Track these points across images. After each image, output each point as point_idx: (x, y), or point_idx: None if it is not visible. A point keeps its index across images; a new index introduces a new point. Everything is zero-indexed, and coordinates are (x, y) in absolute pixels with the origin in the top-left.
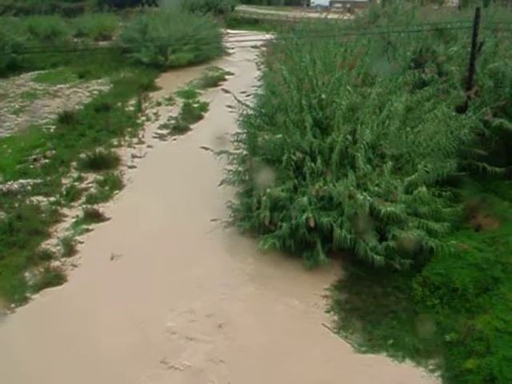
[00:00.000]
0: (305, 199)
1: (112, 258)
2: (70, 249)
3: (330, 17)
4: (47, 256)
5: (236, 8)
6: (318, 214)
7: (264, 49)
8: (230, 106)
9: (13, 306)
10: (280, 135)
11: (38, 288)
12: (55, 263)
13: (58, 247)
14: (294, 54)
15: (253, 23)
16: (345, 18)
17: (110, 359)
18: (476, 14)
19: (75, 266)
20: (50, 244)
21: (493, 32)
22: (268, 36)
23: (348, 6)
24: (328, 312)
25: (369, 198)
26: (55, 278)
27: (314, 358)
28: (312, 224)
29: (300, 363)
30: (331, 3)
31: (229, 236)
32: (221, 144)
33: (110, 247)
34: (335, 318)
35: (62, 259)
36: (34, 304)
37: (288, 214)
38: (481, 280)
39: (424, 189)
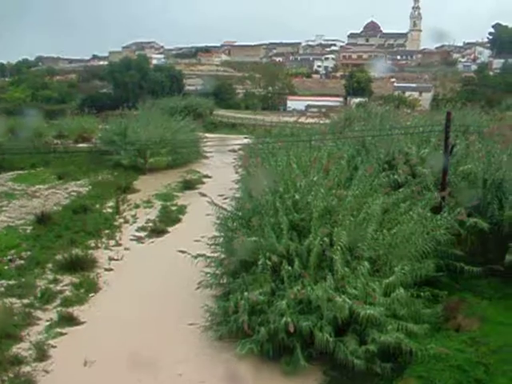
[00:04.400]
0: (283, 303)
1: (85, 364)
2: (42, 353)
3: (305, 121)
4: (18, 361)
5: (214, 112)
6: (297, 317)
7: (241, 152)
8: (208, 204)
9: None
10: (254, 238)
11: None
12: (26, 368)
13: (30, 351)
14: (269, 158)
15: (230, 127)
16: (320, 122)
17: None
18: (447, 118)
19: (47, 371)
20: (22, 348)
21: (463, 134)
22: (246, 140)
23: (323, 110)
24: None
25: (348, 300)
26: None
27: None
28: (292, 329)
29: None
30: (307, 107)
31: (206, 340)
32: None
33: (83, 352)
34: None
35: (34, 364)
36: None
37: (266, 318)
38: (463, 382)
39: (402, 291)
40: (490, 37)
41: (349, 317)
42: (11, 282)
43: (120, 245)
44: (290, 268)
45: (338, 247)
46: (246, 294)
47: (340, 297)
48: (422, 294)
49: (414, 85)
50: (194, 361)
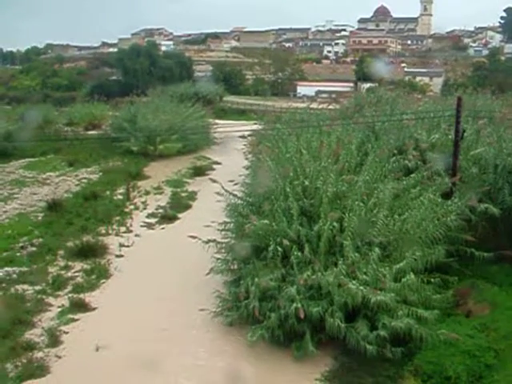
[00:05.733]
0: (293, 289)
1: (97, 350)
2: (54, 339)
3: (315, 106)
4: (30, 346)
5: (224, 98)
6: (307, 303)
7: (251, 138)
8: (218, 194)
9: None
10: (266, 221)
11: (19, 380)
12: (38, 354)
13: (42, 337)
14: (279, 144)
15: (240, 113)
16: (330, 107)
17: None
18: (458, 103)
19: (59, 357)
20: (34, 334)
21: (474, 119)
22: (255, 126)
23: (333, 95)
24: None
25: (361, 287)
26: (38, 370)
27: None
28: (302, 315)
29: None
30: (317, 93)
31: (216, 326)
32: None
33: (95, 338)
34: None
35: (46, 350)
36: None
37: (277, 303)
38: (474, 367)
39: (412, 276)
40: (502, 21)
41: (360, 303)
42: (23, 269)
43: (131, 231)
44: (300, 254)
45: (349, 233)
46: (256, 279)
47: (352, 283)
48: (432, 279)
49: (424, 70)
50: (206, 347)
